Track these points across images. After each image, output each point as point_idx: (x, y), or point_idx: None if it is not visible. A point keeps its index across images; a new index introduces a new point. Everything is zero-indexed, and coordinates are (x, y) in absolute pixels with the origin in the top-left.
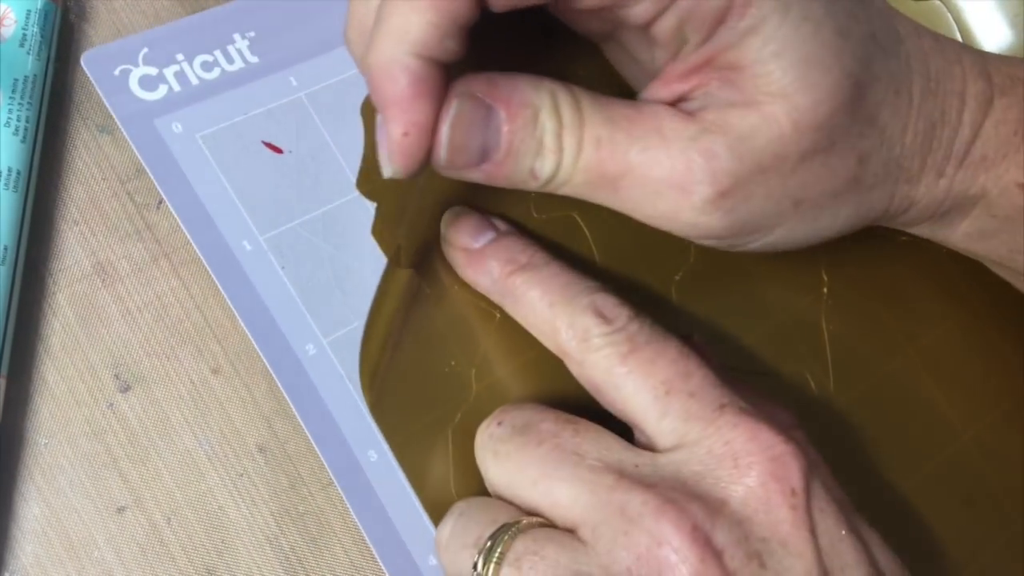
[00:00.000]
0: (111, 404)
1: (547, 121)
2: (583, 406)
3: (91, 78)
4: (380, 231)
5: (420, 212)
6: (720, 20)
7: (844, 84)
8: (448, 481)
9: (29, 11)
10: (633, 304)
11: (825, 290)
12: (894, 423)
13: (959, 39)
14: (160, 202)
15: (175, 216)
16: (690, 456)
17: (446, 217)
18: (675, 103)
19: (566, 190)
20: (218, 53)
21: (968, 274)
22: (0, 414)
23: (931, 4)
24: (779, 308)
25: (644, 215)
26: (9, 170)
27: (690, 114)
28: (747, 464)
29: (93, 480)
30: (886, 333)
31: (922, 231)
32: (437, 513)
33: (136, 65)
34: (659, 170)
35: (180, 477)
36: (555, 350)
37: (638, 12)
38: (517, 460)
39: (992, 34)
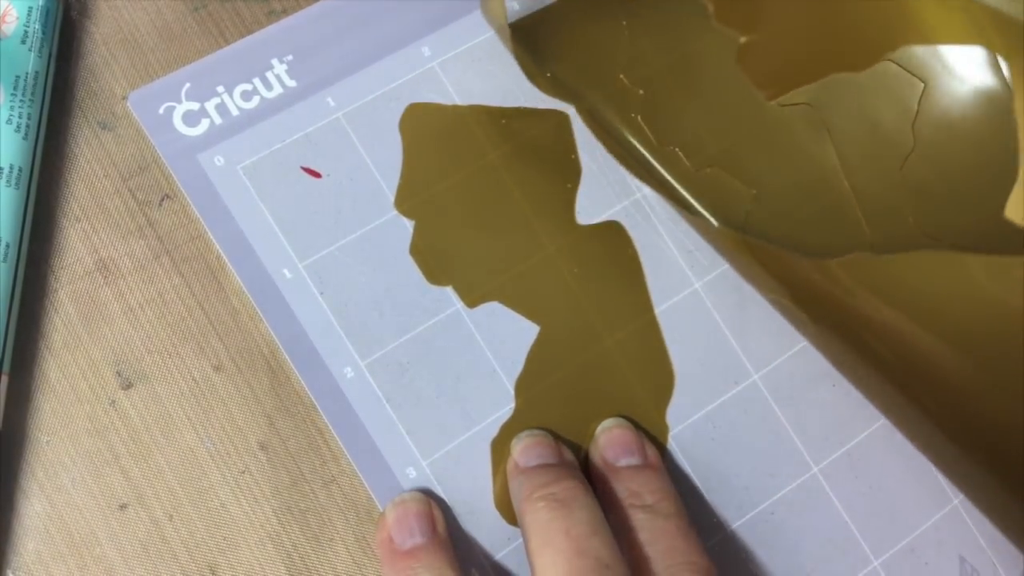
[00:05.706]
0: (113, 401)
1: None
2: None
3: (137, 119)
4: (418, 250)
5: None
6: None
7: None
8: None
9: (31, 8)
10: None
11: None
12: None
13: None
14: (162, 199)
15: (218, 249)
16: None
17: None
18: None
19: None
20: (257, 81)
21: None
22: (2, 411)
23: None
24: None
25: None
26: (11, 167)
27: None
28: None
29: (95, 477)
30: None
31: None
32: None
33: (179, 101)
34: None
35: (182, 474)
36: None
37: None
38: None
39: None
